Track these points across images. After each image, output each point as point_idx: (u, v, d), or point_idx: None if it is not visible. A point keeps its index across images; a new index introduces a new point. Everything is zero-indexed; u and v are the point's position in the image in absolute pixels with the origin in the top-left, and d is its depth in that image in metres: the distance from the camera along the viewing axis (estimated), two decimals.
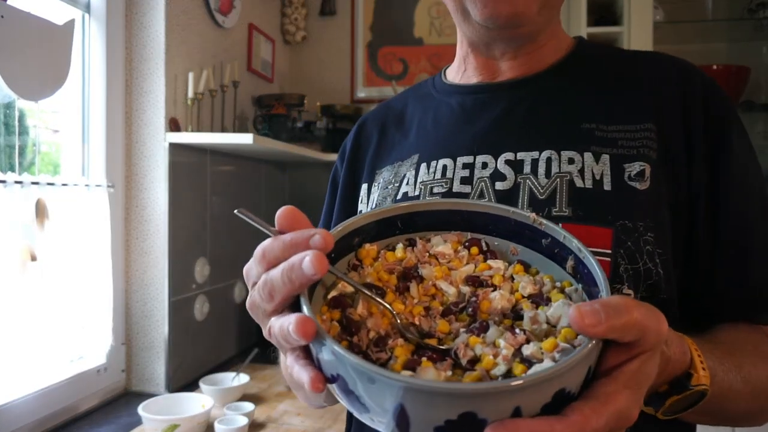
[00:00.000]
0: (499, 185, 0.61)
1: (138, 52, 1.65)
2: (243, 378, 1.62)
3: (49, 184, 1.34)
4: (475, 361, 0.38)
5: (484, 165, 0.63)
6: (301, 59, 2.63)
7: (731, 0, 2.17)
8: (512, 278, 0.45)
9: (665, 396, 0.48)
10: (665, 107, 0.62)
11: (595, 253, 0.48)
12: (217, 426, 1.32)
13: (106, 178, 1.57)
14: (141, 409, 1.31)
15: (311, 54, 2.62)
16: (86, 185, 1.47)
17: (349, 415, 0.74)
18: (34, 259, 1.29)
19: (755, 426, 0.62)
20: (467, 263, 0.47)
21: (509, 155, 0.62)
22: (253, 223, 0.44)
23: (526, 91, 0.66)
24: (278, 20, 2.52)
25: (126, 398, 1.62)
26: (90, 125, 1.57)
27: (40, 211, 1.31)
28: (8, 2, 1.23)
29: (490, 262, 0.47)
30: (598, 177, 0.59)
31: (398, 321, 0.42)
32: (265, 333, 0.44)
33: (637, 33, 2.02)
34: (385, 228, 0.49)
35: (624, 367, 0.37)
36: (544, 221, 0.46)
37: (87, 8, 1.56)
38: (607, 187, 0.58)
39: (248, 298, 0.44)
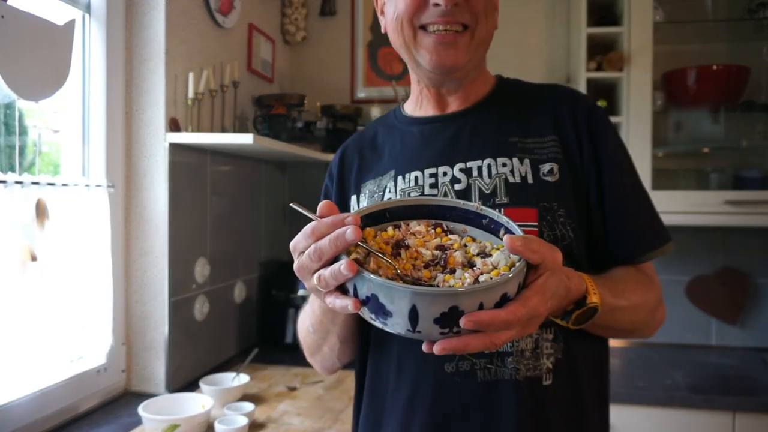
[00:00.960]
0: (457, 186, 0.84)
1: (138, 52, 1.65)
2: (243, 378, 1.62)
3: (49, 184, 1.34)
4: None
5: (445, 173, 0.86)
6: (301, 59, 2.63)
7: (731, 0, 2.17)
8: (465, 245, 0.68)
9: (571, 312, 0.73)
10: (561, 123, 0.87)
11: (525, 226, 0.78)
12: (217, 426, 1.32)
13: (106, 178, 1.57)
14: (141, 409, 1.31)
15: (311, 54, 2.63)
16: (86, 185, 1.47)
17: (355, 416, 0.93)
18: (34, 259, 1.29)
19: (644, 337, 0.90)
20: (435, 237, 0.70)
21: (461, 165, 0.86)
22: (304, 213, 0.67)
23: (467, 119, 0.90)
24: (278, 20, 2.52)
25: (126, 398, 1.62)
26: (90, 125, 1.57)
27: (41, 211, 1.31)
28: (8, 2, 1.23)
29: (450, 236, 0.70)
30: (523, 175, 0.83)
31: (398, 271, 0.63)
32: (309, 285, 0.67)
33: (637, 33, 2.02)
34: (377, 218, 0.70)
35: (535, 282, 0.62)
36: (483, 208, 0.70)
37: (87, 8, 1.56)
38: (530, 181, 0.83)
39: (296, 263, 0.66)
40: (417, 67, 0.88)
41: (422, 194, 0.86)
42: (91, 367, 1.53)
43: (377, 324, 0.62)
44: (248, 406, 1.45)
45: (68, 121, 1.54)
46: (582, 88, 2.05)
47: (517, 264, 0.61)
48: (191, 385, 1.71)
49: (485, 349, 0.62)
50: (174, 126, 1.67)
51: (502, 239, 0.65)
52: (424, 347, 0.62)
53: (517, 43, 2.46)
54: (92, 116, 1.57)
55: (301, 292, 1.07)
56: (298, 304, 2.18)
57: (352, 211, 0.81)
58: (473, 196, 0.83)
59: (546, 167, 0.84)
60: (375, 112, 2.45)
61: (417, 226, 0.71)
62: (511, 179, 0.83)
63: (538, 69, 2.44)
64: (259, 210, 2.32)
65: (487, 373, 0.79)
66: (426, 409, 0.81)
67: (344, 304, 0.61)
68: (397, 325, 0.60)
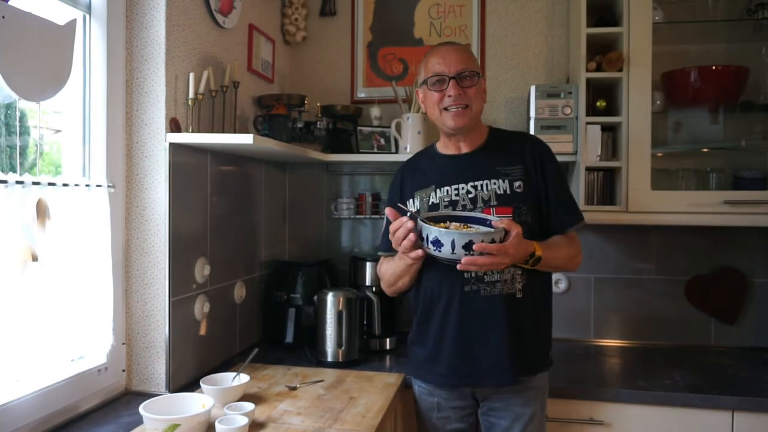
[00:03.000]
0: (469, 195, 1.56)
1: (138, 52, 1.65)
2: (243, 378, 1.63)
3: (49, 184, 1.34)
4: None
5: (462, 188, 1.57)
6: (301, 59, 2.64)
7: (731, 1, 2.17)
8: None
9: (528, 260, 1.45)
10: (526, 157, 1.58)
11: (506, 215, 1.50)
12: (217, 426, 1.32)
13: (106, 179, 1.57)
14: (141, 409, 1.31)
15: (311, 54, 2.63)
16: (87, 185, 1.47)
17: (416, 323, 1.68)
18: (35, 259, 1.29)
19: (571, 270, 1.69)
20: (463, 228, 1.40)
21: (472, 183, 1.56)
22: (414, 214, 1.41)
23: (473, 156, 1.61)
24: (278, 20, 2.53)
25: (126, 398, 1.62)
26: (91, 125, 1.58)
27: (41, 211, 1.32)
28: (9, 2, 1.23)
29: (470, 226, 1.42)
30: (504, 189, 1.54)
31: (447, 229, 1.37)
32: (402, 249, 1.43)
33: (636, 33, 2.02)
34: (437, 219, 1.43)
35: (509, 239, 1.36)
36: (487, 216, 1.48)
37: (88, 9, 1.56)
38: (508, 192, 1.54)
39: (393, 241, 1.45)
40: (444, 127, 1.59)
41: (451, 200, 1.56)
42: (91, 366, 1.53)
43: (435, 253, 1.36)
44: (248, 406, 1.45)
45: (69, 121, 1.54)
46: (582, 88, 2.05)
47: (499, 228, 1.37)
48: (191, 385, 1.71)
49: (482, 268, 1.36)
50: (174, 126, 1.68)
51: (492, 227, 1.40)
52: (458, 267, 1.34)
53: (517, 43, 2.46)
54: (93, 116, 1.58)
55: (380, 253, 1.74)
56: (298, 303, 2.19)
57: (409, 205, 1.61)
58: (478, 201, 1.54)
59: (516, 183, 1.55)
60: (375, 112, 2.45)
61: (455, 222, 1.43)
62: (498, 191, 1.54)
63: (537, 69, 2.44)
64: (259, 210, 2.32)
65: (486, 291, 1.52)
66: (456, 311, 1.54)
67: (418, 254, 1.41)
68: (445, 251, 1.33)
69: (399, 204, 1.54)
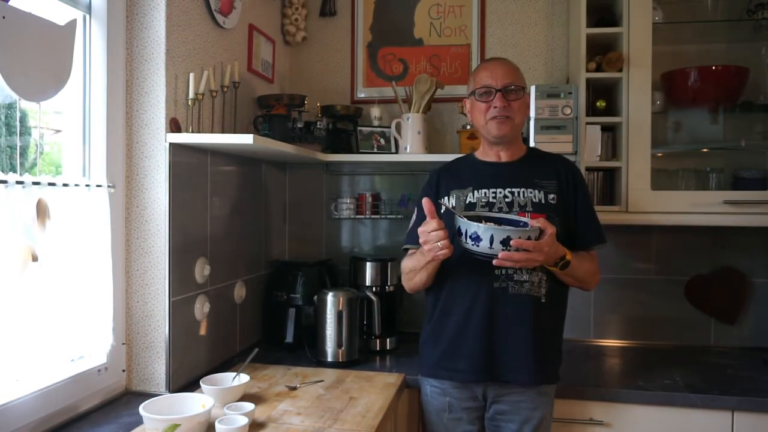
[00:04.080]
0: (506, 200, 1.63)
1: (139, 52, 1.65)
2: (243, 378, 1.63)
3: (50, 184, 1.34)
4: None
5: (500, 192, 1.64)
6: (301, 60, 2.64)
7: (730, 1, 2.17)
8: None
9: (558, 262, 1.52)
10: (559, 174, 1.67)
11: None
12: (217, 426, 1.32)
13: (106, 179, 1.57)
14: (141, 409, 1.31)
15: (311, 54, 2.63)
16: (87, 185, 1.47)
17: (429, 321, 1.72)
18: (35, 259, 1.29)
19: (588, 289, 1.71)
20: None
21: (509, 189, 1.64)
22: (452, 210, 1.51)
23: (512, 166, 1.70)
24: (278, 21, 2.53)
25: (126, 398, 1.62)
26: (91, 126, 1.58)
27: (41, 211, 1.32)
28: (10, 3, 1.23)
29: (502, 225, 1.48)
30: (540, 198, 1.62)
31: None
32: (432, 252, 1.46)
33: (636, 34, 2.02)
34: (476, 219, 1.48)
35: (544, 238, 1.43)
36: (520, 217, 1.55)
37: (88, 9, 1.56)
38: (543, 202, 1.62)
39: (422, 239, 1.48)
40: (488, 135, 1.67)
41: (488, 202, 1.63)
42: (91, 366, 1.54)
43: (473, 247, 1.42)
44: (248, 406, 1.45)
45: (69, 121, 1.55)
46: (582, 88, 2.05)
47: (535, 227, 1.43)
48: (191, 385, 1.71)
49: (516, 264, 1.42)
50: (174, 126, 1.68)
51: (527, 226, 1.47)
52: (494, 262, 1.41)
53: (517, 43, 2.46)
54: (93, 116, 1.58)
55: (405, 247, 1.76)
56: (298, 303, 2.19)
57: (444, 202, 1.67)
58: (514, 206, 1.62)
59: (551, 196, 1.63)
60: (375, 112, 2.45)
61: (490, 222, 1.47)
62: (534, 199, 1.62)
63: (538, 69, 2.44)
64: (259, 210, 2.32)
65: (513, 290, 1.58)
66: (483, 305, 1.59)
67: (447, 252, 1.45)
68: (483, 246, 1.40)
69: (439, 201, 1.64)
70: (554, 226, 1.45)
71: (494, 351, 1.58)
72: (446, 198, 1.68)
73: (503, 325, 1.57)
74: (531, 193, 1.61)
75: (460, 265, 1.58)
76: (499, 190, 1.63)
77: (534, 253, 1.40)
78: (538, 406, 1.61)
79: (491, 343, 1.58)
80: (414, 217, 1.75)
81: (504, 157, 1.69)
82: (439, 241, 1.43)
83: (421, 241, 1.48)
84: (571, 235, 1.62)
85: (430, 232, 1.44)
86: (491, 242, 1.39)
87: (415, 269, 1.63)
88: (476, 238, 1.40)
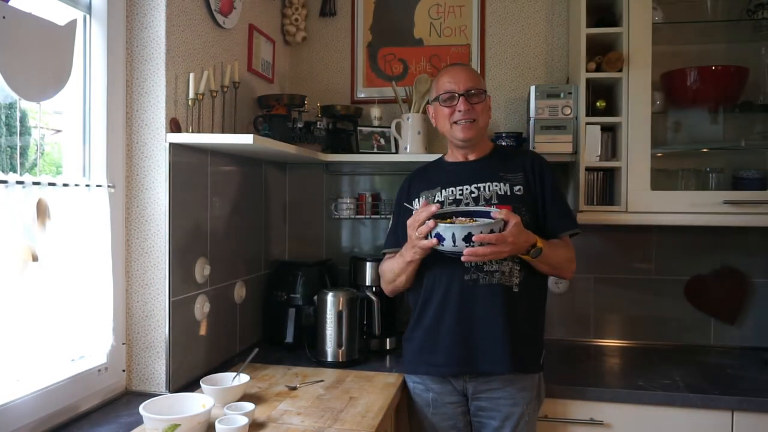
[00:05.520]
0: (473, 195, 1.68)
1: (139, 52, 1.65)
2: (243, 378, 1.63)
3: (50, 184, 1.34)
4: None
5: (466, 188, 1.69)
6: (301, 60, 2.64)
7: (730, 1, 2.17)
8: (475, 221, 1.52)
9: (529, 251, 1.55)
10: (525, 166, 1.70)
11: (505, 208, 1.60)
12: (217, 426, 1.32)
13: (106, 179, 1.57)
14: (141, 409, 1.31)
15: (311, 54, 2.63)
16: (87, 185, 1.47)
17: (414, 314, 1.75)
18: (35, 259, 1.29)
19: (564, 277, 1.74)
20: (467, 223, 1.48)
21: (475, 185, 1.69)
22: (412, 209, 1.70)
23: (479, 163, 1.75)
24: (278, 21, 2.53)
25: (126, 398, 1.62)
26: (91, 126, 1.58)
27: (41, 211, 1.32)
28: (10, 3, 1.23)
29: (475, 220, 1.51)
30: (506, 190, 1.67)
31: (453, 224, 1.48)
32: (420, 244, 1.53)
33: (636, 34, 2.02)
34: (443, 216, 1.54)
35: (509, 228, 1.48)
36: (481, 208, 1.60)
37: (88, 9, 1.56)
38: (509, 193, 1.66)
39: (409, 230, 1.57)
40: (453, 139, 1.73)
41: (455, 199, 1.68)
42: (91, 366, 1.54)
43: (439, 247, 1.48)
44: (248, 406, 1.45)
45: (69, 121, 1.55)
46: (581, 88, 2.06)
47: (498, 219, 1.47)
48: (191, 385, 1.71)
49: (483, 257, 1.47)
50: (174, 126, 1.68)
51: (493, 218, 1.50)
52: (462, 259, 1.46)
53: (517, 43, 2.46)
54: (93, 116, 1.58)
55: (384, 251, 1.84)
56: (298, 303, 2.19)
57: (414, 205, 1.74)
58: (481, 201, 1.66)
59: (516, 187, 1.67)
60: (375, 112, 2.45)
61: (461, 217, 1.53)
62: (499, 192, 1.67)
63: (537, 69, 2.44)
64: (259, 210, 2.32)
65: (485, 280, 1.61)
66: (455, 299, 1.63)
67: (428, 243, 1.49)
68: (447, 245, 1.45)
69: (405, 203, 1.75)
70: (518, 216, 1.48)
71: (469, 343, 1.61)
72: (416, 200, 1.75)
73: (476, 317, 1.60)
74: (496, 186, 1.66)
75: (435, 262, 1.62)
76: (465, 186, 1.68)
77: (499, 245, 1.44)
78: (518, 402, 1.63)
79: (466, 335, 1.61)
80: (391, 221, 1.86)
81: (471, 156, 1.75)
82: (424, 226, 1.50)
83: (409, 231, 1.55)
84: (542, 224, 1.66)
85: (416, 218, 1.54)
86: (454, 240, 1.43)
87: (395, 271, 1.71)
88: (440, 237, 1.45)
